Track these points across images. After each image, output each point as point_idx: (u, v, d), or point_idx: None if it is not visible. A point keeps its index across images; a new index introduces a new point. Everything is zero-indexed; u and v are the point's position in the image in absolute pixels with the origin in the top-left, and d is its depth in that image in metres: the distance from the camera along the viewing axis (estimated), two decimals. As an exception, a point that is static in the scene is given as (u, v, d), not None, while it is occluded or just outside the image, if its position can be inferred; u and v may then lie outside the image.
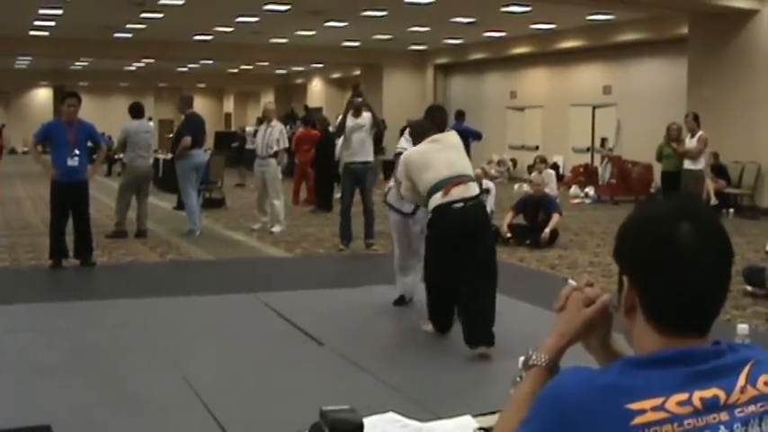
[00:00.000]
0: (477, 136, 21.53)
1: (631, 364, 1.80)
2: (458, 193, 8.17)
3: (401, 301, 10.07)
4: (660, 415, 1.71)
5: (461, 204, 8.15)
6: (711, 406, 1.75)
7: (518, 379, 2.16)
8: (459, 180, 8.24)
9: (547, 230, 15.05)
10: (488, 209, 15.45)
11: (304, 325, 9.03)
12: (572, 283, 2.15)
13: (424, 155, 8.47)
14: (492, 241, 8.66)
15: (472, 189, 8.30)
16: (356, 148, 14.13)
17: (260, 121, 19.16)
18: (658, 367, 1.76)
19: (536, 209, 15.39)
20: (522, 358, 2.17)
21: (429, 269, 8.60)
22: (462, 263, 8.09)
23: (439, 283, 8.44)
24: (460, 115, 24.23)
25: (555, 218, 15.32)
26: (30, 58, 42.97)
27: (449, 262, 8.20)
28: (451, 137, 8.82)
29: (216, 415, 6.21)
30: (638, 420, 1.70)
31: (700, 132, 17.30)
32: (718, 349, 1.83)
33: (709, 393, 1.75)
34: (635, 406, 1.71)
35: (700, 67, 22.60)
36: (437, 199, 8.17)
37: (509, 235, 15.28)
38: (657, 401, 1.72)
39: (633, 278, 1.87)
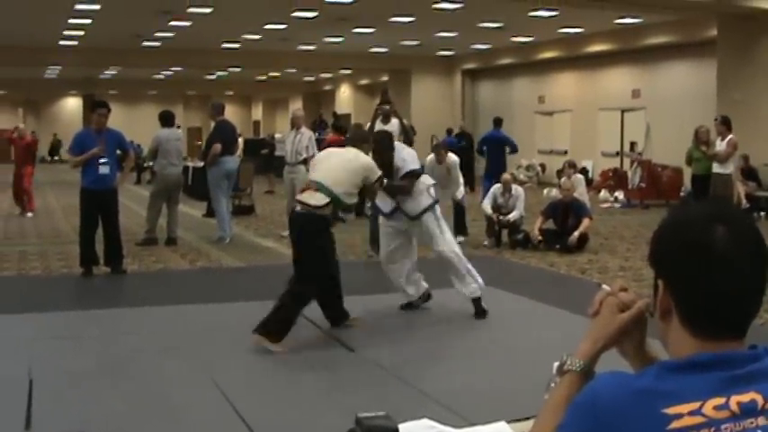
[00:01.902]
0: (515, 149, 21.54)
1: (667, 369, 1.79)
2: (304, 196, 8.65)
3: (409, 306, 10.18)
4: (697, 419, 1.70)
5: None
6: (749, 410, 1.74)
7: (552, 384, 2.15)
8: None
9: (576, 234, 15.00)
10: (518, 214, 15.51)
11: (334, 331, 9.04)
12: (606, 288, 2.14)
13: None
14: (308, 250, 8.69)
15: (316, 197, 8.55)
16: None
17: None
18: (695, 371, 1.75)
19: (566, 213, 15.35)
20: (556, 364, 2.16)
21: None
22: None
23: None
24: (498, 122, 24.12)
25: (585, 222, 15.27)
26: (59, 67, 43.23)
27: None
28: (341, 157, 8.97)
29: (248, 422, 6.21)
30: (674, 425, 1.69)
31: (730, 136, 17.17)
32: (755, 353, 1.82)
33: (746, 398, 1.74)
34: (672, 410, 1.70)
35: (729, 69, 22.48)
36: None
37: (540, 239, 15.25)
38: (694, 406, 1.70)
39: (668, 282, 1.86)
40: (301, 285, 8.56)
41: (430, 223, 9.77)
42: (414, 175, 9.67)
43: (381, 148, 9.62)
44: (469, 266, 9.86)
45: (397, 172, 9.66)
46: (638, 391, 1.74)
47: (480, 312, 9.81)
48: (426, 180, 10.09)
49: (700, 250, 1.80)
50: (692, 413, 1.70)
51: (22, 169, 21.62)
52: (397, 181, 9.63)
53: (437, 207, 9.98)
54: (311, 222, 8.56)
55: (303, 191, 8.77)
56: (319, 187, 8.55)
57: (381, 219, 10.19)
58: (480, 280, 9.85)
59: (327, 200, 8.50)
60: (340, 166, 8.72)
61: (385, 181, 9.26)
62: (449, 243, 9.87)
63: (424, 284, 10.18)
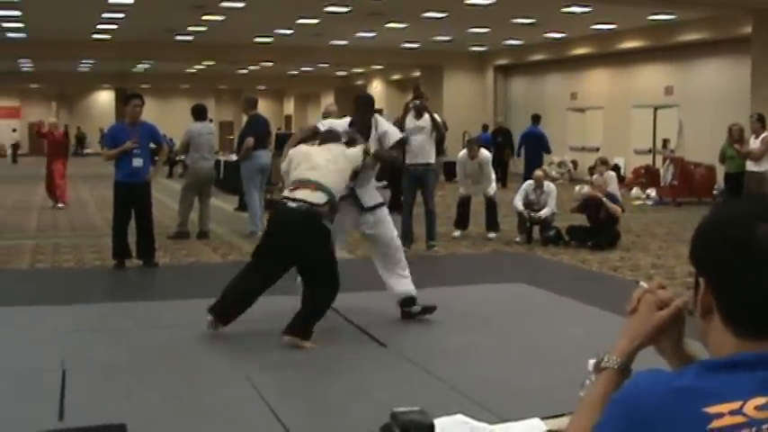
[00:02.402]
0: (548, 150, 21.95)
1: (708, 367, 1.77)
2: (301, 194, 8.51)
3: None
4: (738, 419, 1.68)
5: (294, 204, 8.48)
6: (790, 411, 1.72)
7: (587, 382, 2.15)
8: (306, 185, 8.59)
9: (609, 205, 15.06)
10: (549, 210, 15.47)
11: (366, 326, 9.04)
12: (644, 285, 2.13)
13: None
14: (318, 252, 8.51)
15: (317, 196, 8.48)
16: (417, 150, 14.13)
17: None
18: (736, 370, 1.73)
19: (598, 208, 15.28)
20: (592, 361, 2.16)
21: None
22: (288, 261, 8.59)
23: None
24: (536, 119, 24.64)
25: (617, 207, 15.28)
26: (92, 61, 43.46)
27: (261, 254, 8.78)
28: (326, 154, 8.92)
29: (281, 417, 6.23)
30: (715, 424, 1.67)
31: (764, 134, 17.08)
32: (797, 353, 1.80)
33: (787, 398, 1.72)
34: (712, 409, 1.68)
35: (764, 66, 22.32)
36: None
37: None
38: (735, 405, 1.69)
39: (709, 280, 1.84)
40: (323, 290, 8.50)
41: (384, 214, 9.63)
42: (401, 143, 9.68)
43: (368, 109, 9.68)
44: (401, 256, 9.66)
45: (384, 137, 9.58)
46: (678, 389, 1.72)
47: (418, 311, 9.59)
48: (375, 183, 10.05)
49: (742, 248, 1.78)
50: (732, 413, 1.68)
51: (53, 163, 21.76)
52: (389, 150, 9.58)
53: (385, 207, 9.84)
54: (317, 220, 8.45)
55: (296, 189, 8.60)
56: (319, 187, 8.50)
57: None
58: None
59: (327, 198, 8.48)
60: (330, 168, 8.69)
61: (373, 150, 9.28)
62: (395, 233, 9.70)
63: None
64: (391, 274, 9.53)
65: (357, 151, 9.02)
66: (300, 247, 8.45)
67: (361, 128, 9.46)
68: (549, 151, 24.20)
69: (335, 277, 8.57)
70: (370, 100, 10.01)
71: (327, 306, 8.59)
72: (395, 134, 9.67)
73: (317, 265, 8.51)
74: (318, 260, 8.49)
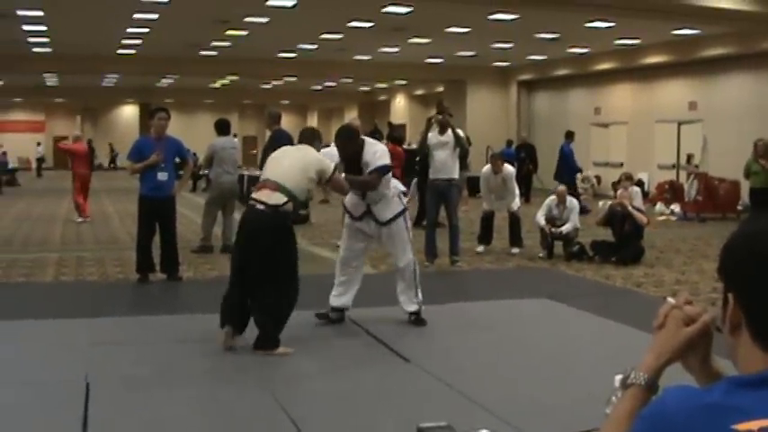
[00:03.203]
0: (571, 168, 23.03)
1: (737, 384, 1.75)
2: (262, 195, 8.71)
3: (325, 316, 10.01)
4: (767, 436, 1.67)
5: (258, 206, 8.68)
6: (818, 429, 1.70)
7: (613, 398, 2.13)
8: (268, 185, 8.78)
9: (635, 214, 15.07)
10: (571, 226, 15.43)
11: (390, 341, 9.03)
12: (671, 300, 2.12)
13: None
14: (277, 252, 8.68)
15: (275, 197, 8.64)
16: (439, 165, 14.12)
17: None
18: (765, 387, 1.72)
19: (623, 220, 15.24)
20: (618, 377, 2.14)
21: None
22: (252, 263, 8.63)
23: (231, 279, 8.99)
24: (569, 135, 25.27)
25: (643, 217, 15.30)
26: (117, 75, 43.63)
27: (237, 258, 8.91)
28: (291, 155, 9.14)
29: (304, 431, 6.22)
30: (744, 441, 1.66)
31: (789, 149, 17.03)
32: (826, 370, 1.78)
33: (816, 416, 1.70)
34: (741, 427, 1.67)
35: (789, 82, 22.25)
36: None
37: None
38: (764, 423, 1.67)
39: (738, 296, 1.83)
40: (286, 295, 8.72)
41: (399, 230, 9.84)
42: (382, 171, 9.61)
43: (342, 141, 9.71)
44: (418, 282, 9.91)
45: (366, 167, 9.64)
46: (707, 405, 1.71)
47: (420, 322, 9.88)
48: (398, 186, 10.16)
49: (771, 264, 1.77)
50: (762, 430, 1.67)
51: (76, 177, 21.87)
52: (364, 176, 9.64)
53: (407, 214, 10.06)
54: (277, 220, 8.66)
55: (258, 189, 8.85)
56: (277, 187, 8.66)
57: (348, 219, 10.15)
58: (421, 296, 9.90)
59: (286, 199, 8.64)
60: (293, 165, 8.85)
61: (343, 175, 9.38)
62: (409, 253, 9.88)
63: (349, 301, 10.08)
64: (401, 293, 9.91)
65: (324, 162, 9.08)
66: (259, 248, 8.61)
67: (343, 159, 9.66)
68: (577, 170, 25.19)
69: (295, 280, 8.81)
70: (345, 133, 9.98)
71: (289, 311, 8.76)
72: (376, 161, 9.62)
73: (279, 266, 8.66)
74: (279, 261, 8.66)
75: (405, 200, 10.15)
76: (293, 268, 8.81)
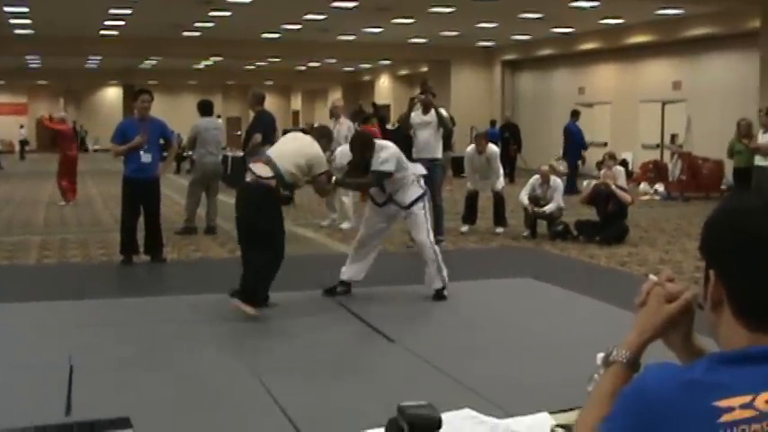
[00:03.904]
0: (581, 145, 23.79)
1: (718, 361, 1.75)
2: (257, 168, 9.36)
3: (332, 291, 10.32)
4: (748, 413, 1.66)
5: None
6: (801, 404, 1.70)
7: (596, 376, 2.13)
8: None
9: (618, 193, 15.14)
10: (555, 206, 15.45)
11: (374, 322, 9.03)
12: (653, 278, 2.12)
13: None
14: (263, 220, 9.28)
15: (263, 170, 9.28)
16: (423, 145, 14.10)
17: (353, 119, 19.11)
18: (747, 364, 1.71)
19: (607, 200, 15.26)
20: (600, 355, 2.14)
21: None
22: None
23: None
24: (575, 114, 25.78)
25: (627, 195, 15.32)
26: (100, 57, 43.45)
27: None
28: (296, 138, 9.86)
29: (287, 411, 6.22)
30: (725, 418, 1.65)
31: (773, 128, 17.05)
32: (808, 347, 1.78)
33: (798, 392, 1.70)
34: (723, 403, 1.66)
35: (772, 61, 22.26)
36: None
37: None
38: (746, 399, 1.67)
39: (720, 273, 1.82)
40: (263, 255, 9.20)
41: (418, 212, 10.13)
42: (379, 175, 9.87)
43: (361, 149, 9.97)
44: (440, 259, 10.17)
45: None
46: (688, 382, 1.71)
47: (441, 297, 10.17)
48: (416, 170, 10.46)
49: (753, 240, 1.76)
50: (743, 406, 1.66)
51: (64, 159, 21.80)
52: (360, 178, 10.08)
53: (426, 198, 10.37)
54: (260, 190, 9.19)
55: (255, 162, 9.66)
56: (269, 162, 9.27)
57: (370, 204, 10.45)
58: (446, 274, 10.18)
59: (271, 174, 9.16)
60: (290, 148, 9.49)
61: (334, 178, 9.84)
62: (428, 235, 10.17)
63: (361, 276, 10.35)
64: (426, 271, 10.18)
65: (321, 160, 9.50)
66: (249, 216, 9.26)
67: (359, 164, 9.99)
68: (583, 147, 26.09)
69: (279, 246, 9.32)
70: (364, 140, 10.25)
71: (269, 270, 9.24)
72: (379, 166, 9.86)
73: (258, 231, 9.24)
74: (258, 226, 9.24)
75: (423, 183, 10.38)
76: (270, 236, 9.25)
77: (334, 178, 9.83)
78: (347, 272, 10.27)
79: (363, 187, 10.40)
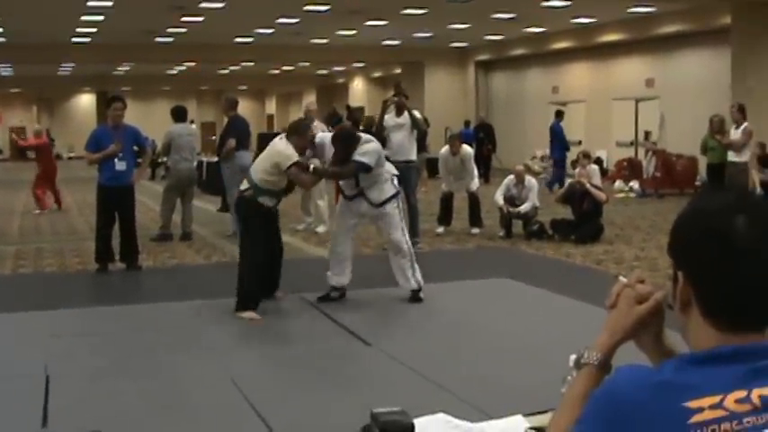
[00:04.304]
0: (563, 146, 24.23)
1: (688, 362, 1.76)
2: None
3: (326, 298, 10.27)
4: (718, 413, 1.67)
5: None
6: (771, 403, 1.70)
7: (569, 378, 2.14)
8: None
9: (593, 191, 15.13)
10: (530, 205, 15.48)
11: (351, 325, 9.02)
12: (623, 279, 2.12)
13: None
14: (242, 230, 10.18)
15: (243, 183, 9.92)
16: (396, 147, 14.09)
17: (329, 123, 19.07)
18: (716, 364, 1.72)
19: (582, 198, 15.29)
20: (573, 357, 2.15)
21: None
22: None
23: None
24: (559, 114, 26.06)
25: (602, 194, 15.36)
26: (73, 64, 43.29)
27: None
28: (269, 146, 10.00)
29: (264, 416, 6.21)
30: (695, 419, 1.66)
31: (745, 124, 17.12)
32: (777, 345, 1.79)
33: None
34: (692, 404, 1.67)
35: (744, 57, 22.38)
36: None
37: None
38: (715, 399, 1.67)
39: (688, 273, 1.83)
40: (241, 260, 9.71)
41: (392, 211, 10.15)
42: (358, 166, 9.87)
43: (344, 145, 9.95)
44: (414, 260, 10.21)
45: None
46: (658, 384, 1.71)
47: (417, 299, 10.16)
48: (390, 169, 10.46)
49: (720, 241, 1.77)
50: (713, 407, 1.67)
51: (43, 171, 21.78)
52: (336, 168, 10.10)
53: (400, 198, 10.40)
54: (239, 205, 9.97)
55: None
56: (247, 174, 9.89)
57: (341, 199, 10.60)
58: (420, 275, 10.18)
59: (248, 186, 9.67)
60: (263, 156, 9.95)
61: (312, 167, 9.88)
62: (403, 233, 10.21)
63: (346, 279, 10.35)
64: (398, 273, 10.18)
65: (285, 154, 9.58)
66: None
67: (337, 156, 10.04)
68: (566, 148, 26.49)
69: (252, 253, 9.58)
70: (347, 136, 10.21)
71: (246, 276, 9.52)
72: (358, 159, 9.89)
73: (242, 241, 9.96)
74: (242, 237, 10.01)
75: (397, 182, 10.39)
76: (247, 246, 9.68)
77: (312, 167, 9.83)
78: (338, 278, 10.23)
79: (338, 177, 10.57)
